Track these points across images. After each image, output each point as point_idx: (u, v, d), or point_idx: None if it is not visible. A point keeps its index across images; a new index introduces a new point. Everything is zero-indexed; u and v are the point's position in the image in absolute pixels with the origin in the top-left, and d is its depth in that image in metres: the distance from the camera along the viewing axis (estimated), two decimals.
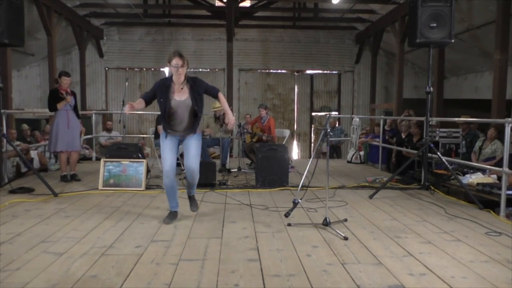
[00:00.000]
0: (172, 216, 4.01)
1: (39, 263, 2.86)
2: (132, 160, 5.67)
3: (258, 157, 5.99)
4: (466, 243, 3.41)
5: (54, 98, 5.94)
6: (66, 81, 6.00)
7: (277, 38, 15.03)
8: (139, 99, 3.93)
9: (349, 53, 15.22)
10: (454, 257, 3.08)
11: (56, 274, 2.68)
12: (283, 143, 7.78)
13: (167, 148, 3.91)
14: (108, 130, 10.13)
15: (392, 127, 9.11)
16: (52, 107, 5.95)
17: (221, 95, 4.01)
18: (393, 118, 9.50)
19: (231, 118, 3.99)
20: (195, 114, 3.89)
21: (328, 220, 3.79)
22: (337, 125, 12.86)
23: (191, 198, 4.21)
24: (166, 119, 3.87)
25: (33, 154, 7.13)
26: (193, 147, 3.92)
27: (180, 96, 3.84)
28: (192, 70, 14.81)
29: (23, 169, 6.57)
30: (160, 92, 3.84)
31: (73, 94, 6.14)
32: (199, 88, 3.87)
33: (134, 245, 3.27)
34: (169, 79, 3.85)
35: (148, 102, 3.90)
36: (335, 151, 10.92)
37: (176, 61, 3.72)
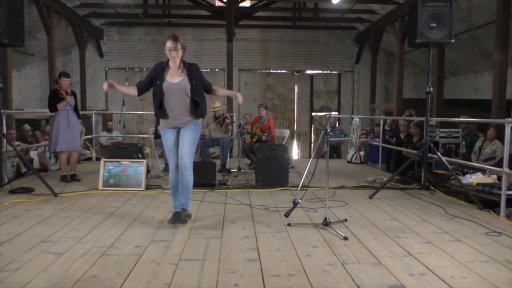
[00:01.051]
0: (176, 217, 3.87)
1: (39, 263, 2.86)
2: (132, 160, 5.67)
3: (258, 157, 5.99)
4: (466, 243, 3.41)
5: (54, 99, 5.95)
6: (65, 82, 6.01)
7: (277, 38, 15.04)
8: (132, 87, 3.83)
9: (349, 53, 15.22)
10: (454, 257, 3.08)
11: (56, 274, 2.68)
12: (283, 143, 7.78)
13: (170, 146, 3.80)
14: (109, 130, 10.14)
15: (392, 127, 9.11)
16: (52, 107, 5.95)
17: (215, 87, 3.93)
18: (393, 118, 9.50)
19: (239, 95, 3.90)
20: (192, 100, 3.70)
21: (328, 220, 3.79)
22: (337, 125, 12.86)
23: (185, 211, 3.81)
24: (160, 105, 3.69)
25: (33, 154, 7.13)
26: (186, 138, 3.74)
27: (174, 79, 3.68)
28: None
29: (23, 169, 6.57)
30: (156, 75, 3.72)
31: (73, 94, 6.15)
32: (196, 73, 3.73)
33: (134, 245, 3.27)
34: (165, 62, 3.74)
35: (141, 89, 3.77)
36: (335, 151, 10.92)
37: (169, 44, 3.60)
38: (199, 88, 3.76)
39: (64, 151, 6.04)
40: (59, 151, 6.03)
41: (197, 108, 3.76)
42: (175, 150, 3.81)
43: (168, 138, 3.82)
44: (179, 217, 3.85)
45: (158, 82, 3.68)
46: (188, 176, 3.78)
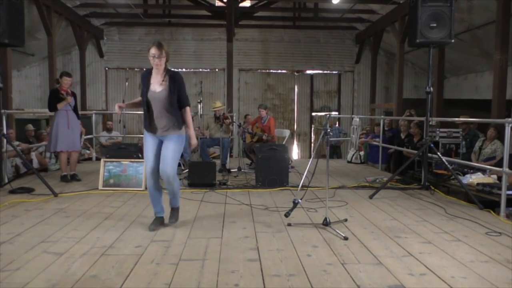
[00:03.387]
0: (158, 222, 3.77)
1: (39, 263, 2.86)
2: (132, 160, 5.67)
3: (258, 157, 5.99)
4: (466, 243, 3.41)
5: (54, 98, 5.95)
6: (67, 81, 6.01)
7: (277, 38, 15.03)
8: (138, 97, 3.84)
9: (349, 53, 15.22)
10: (454, 257, 3.08)
11: (56, 274, 2.68)
12: (283, 143, 7.78)
13: (149, 149, 3.71)
14: (109, 130, 10.14)
15: (392, 126, 9.11)
16: (52, 107, 5.95)
17: (188, 110, 3.76)
18: (393, 118, 9.50)
19: (193, 137, 3.79)
20: (172, 109, 3.65)
21: (328, 220, 3.79)
22: (336, 125, 12.85)
23: (173, 210, 3.90)
24: (145, 113, 3.68)
25: (32, 155, 7.11)
26: (169, 150, 3.65)
27: (156, 88, 3.64)
28: (192, 70, 14.83)
29: (22, 170, 6.54)
30: (142, 83, 3.71)
31: (73, 94, 6.15)
32: (178, 84, 3.66)
33: (134, 245, 3.27)
34: (150, 70, 3.70)
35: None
36: (335, 151, 10.91)
37: (153, 50, 3.55)
38: (174, 99, 3.65)
39: (64, 151, 6.04)
40: (59, 151, 6.03)
41: (177, 117, 3.69)
42: (153, 155, 3.70)
43: (148, 142, 3.74)
44: (160, 222, 3.79)
45: (144, 91, 3.67)
46: (174, 185, 3.73)
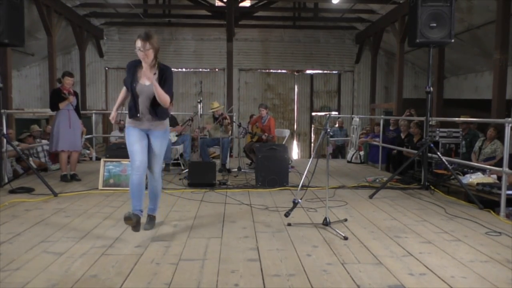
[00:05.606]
0: (134, 217, 3.34)
1: (39, 263, 2.86)
2: None
3: (258, 157, 5.99)
4: (466, 243, 3.41)
5: (56, 98, 5.95)
6: (69, 81, 6.01)
7: (277, 38, 15.04)
8: (122, 90, 3.64)
9: (349, 53, 15.23)
10: (454, 257, 3.08)
11: (56, 274, 2.68)
12: (283, 143, 7.78)
13: (135, 141, 3.47)
14: (121, 129, 10.15)
15: (397, 126, 9.10)
16: (54, 106, 5.95)
17: (171, 105, 3.60)
18: (394, 118, 9.51)
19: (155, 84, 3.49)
20: (159, 104, 3.45)
21: (328, 220, 3.79)
22: (336, 125, 12.84)
23: (151, 217, 3.70)
24: (133, 107, 3.48)
25: (30, 160, 7.08)
26: (156, 147, 3.55)
27: (145, 81, 3.44)
28: (192, 70, 14.82)
29: (20, 172, 6.52)
30: (129, 73, 3.49)
31: (75, 94, 6.15)
32: (166, 78, 3.46)
33: (134, 245, 3.27)
34: (139, 60, 3.46)
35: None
36: (340, 152, 10.89)
37: (138, 43, 3.32)
38: (168, 89, 3.48)
39: (65, 150, 6.04)
40: (60, 150, 6.03)
41: (164, 111, 3.55)
42: (141, 147, 3.48)
43: (133, 135, 3.51)
44: (138, 220, 3.44)
45: (132, 83, 3.48)
46: (158, 185, 3.66)
